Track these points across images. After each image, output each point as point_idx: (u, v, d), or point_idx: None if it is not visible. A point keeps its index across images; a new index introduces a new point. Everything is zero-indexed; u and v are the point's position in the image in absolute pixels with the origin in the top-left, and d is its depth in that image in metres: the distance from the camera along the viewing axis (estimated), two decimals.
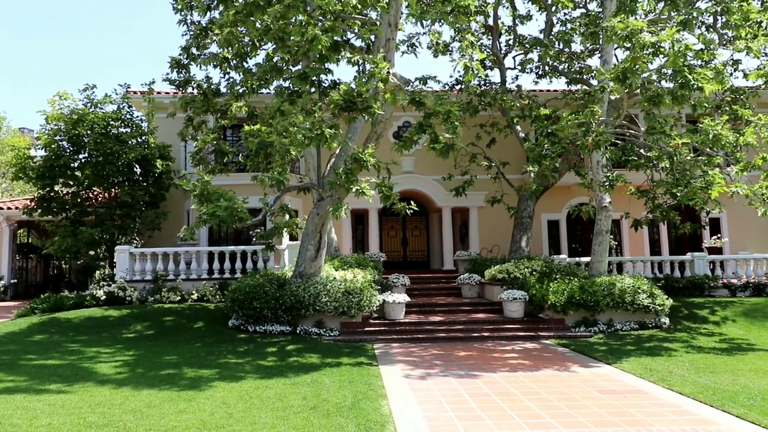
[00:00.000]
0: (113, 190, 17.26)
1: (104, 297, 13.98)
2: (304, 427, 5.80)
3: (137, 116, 17.90)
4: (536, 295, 12.86)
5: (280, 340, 11.21)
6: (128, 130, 17.02)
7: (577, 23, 14.06)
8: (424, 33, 14.55)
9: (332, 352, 10.18)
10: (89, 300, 13.91)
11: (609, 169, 13.82)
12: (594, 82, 15.39)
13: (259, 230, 16.50)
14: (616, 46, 13.17)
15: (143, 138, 17.03)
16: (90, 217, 17.30)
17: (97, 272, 16.26)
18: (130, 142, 16.59)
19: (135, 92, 18.11)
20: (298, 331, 11.90)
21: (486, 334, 12.14)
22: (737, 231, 20.44)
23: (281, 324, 12.00)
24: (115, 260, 16.58)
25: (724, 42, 13.22)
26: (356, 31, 12.46)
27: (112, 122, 16.49)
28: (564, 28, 16.95)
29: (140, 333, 11.91)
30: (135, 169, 17.15)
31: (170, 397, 6.86)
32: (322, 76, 12.01)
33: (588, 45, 14.15)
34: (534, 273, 14.11)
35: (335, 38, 10.89)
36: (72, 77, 62.20)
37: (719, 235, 19.04)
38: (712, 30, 13.10)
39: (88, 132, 16.05)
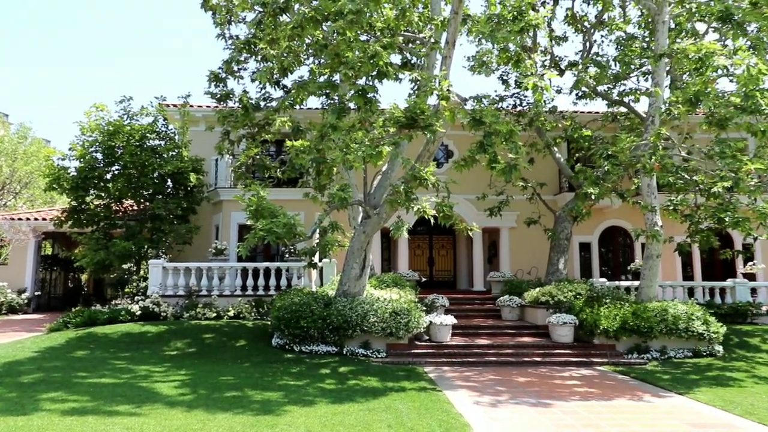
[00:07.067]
0: (144, 202, 17.01)
1: (139, 312, 13.66)
2: None
3: (171, 129, 17.76)
4: (587, 319, 12.54)
5: (329, 362, 10.87)
6: (163, 143, 16.83)
7: (630, 45, 13.95)
8: (478, 51, 14.42)
9: (388, 376, 9.84)
10: (124, 315, 13.58)
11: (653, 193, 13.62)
12: (639, 106, 15.30)
13: (292, 247, 16.25)
14: (667, 68, 13.07)
15: (177, 151, 16.83)
16: (119, 230, 17.05)
17: (127, 286, 15.95)
18: (164, 156, 16.38)
19: (169, 105, 18.00)
20: (344, 352, 11.57)
21: (537, 359, 11.81)
22: None
23: (327, 344, 11.67)
24: (143, 274, 16.31)
25: None
26: (410, 47, 12.38)
27: (147, 135, 16.32)
28: (600, 50, 16.96)
29: (182, 351, 11.57)
30: (167, 182, 16.92)
31: (250, 423, 6.54)
32: (369, 94, 11.89)
33: (633, 67, 14.02)
34: (579, 297, 13.83)
35: (391, 55, 10.79)
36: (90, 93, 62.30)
37: (755, 262, 18.76)
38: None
39: (124, 144, 15.86)
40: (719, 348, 12.46)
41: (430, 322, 12.48)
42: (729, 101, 9.83)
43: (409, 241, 21.05)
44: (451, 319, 12.60)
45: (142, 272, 16.63)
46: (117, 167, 16.45)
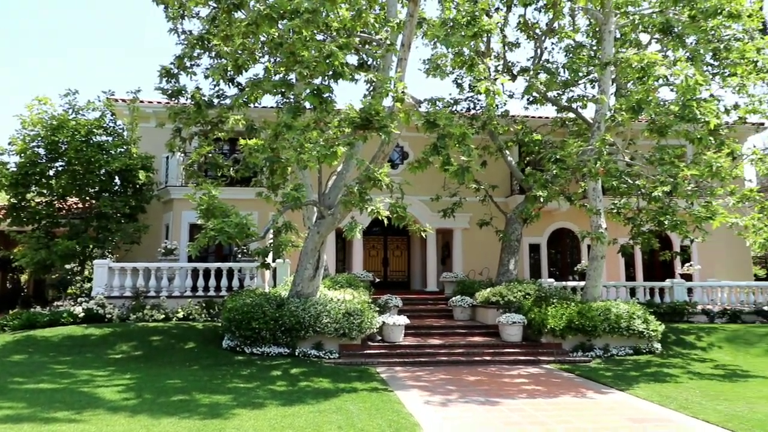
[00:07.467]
0: (90, 200, 16.39)
1: (83, 314, 13.15)
2: None
3: (120, 125, 17.19)
4: (535, 319, 12.89)
5: (280, 363, 10.78)
6: (110, 139, 16.26)
7: (578, 53, 14.46)
8: (433, 54, 14.60)
9: (340, 377, 9.84)
10: (66, 317, 13.04)
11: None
12: (586, 112, 15.83)
13: (245, 248, 15.99)
14: (613, 76, 13.59)
15: (125, 148, 16.29)
16: (62, 228, 16.38)
17: (70, 287, 15.33)
18: (112, 152, 15.82)
19: (118, 100, 17.43)
20: (296, 354, 11.49)
21: (487, 357, 12.05)
22: (705, 258, 21.17)
23: (279, 346, 11.56)
24: (87, 274, 15.71)
25: (712, 76, 13.81)
26: (366, 48, 12.41)
27: (94, 130, 15.73)
28: (550, 57, 17.50)
29: (128, 354, 11.23)
30: (115, 179, 16.37)
31: (197, 427, 6.41)
32: (325, 94, 11.86)
33: (582, 75, 14.55)
34: (528, 297, 14.19)
35: (347, 56, 10.80)
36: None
37: (691, 263, 19.71)
38: (708, 65, 13.72)
39: (68, 139, 15.23)
40: (658, 345, 13.04)
41: (383, 322, 12.55)
42: (669, 110, 10.33)
43: (364, 242, 21.08)
44: (403, 320, 12.71)
45: (86, 273, 16.01)
46: (61, 163, 15.77)
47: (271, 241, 13.95)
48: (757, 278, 24.13)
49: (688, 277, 19.58)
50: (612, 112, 11.64)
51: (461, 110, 17.73)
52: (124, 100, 17.50)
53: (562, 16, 15.44)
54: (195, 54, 13.90)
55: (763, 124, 20.66)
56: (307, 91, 9.85)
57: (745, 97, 13.10)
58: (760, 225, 11.25)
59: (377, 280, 19.82)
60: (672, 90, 10.88)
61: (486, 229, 17.78)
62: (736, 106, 12.63)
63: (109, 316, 13.37)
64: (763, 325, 15.48)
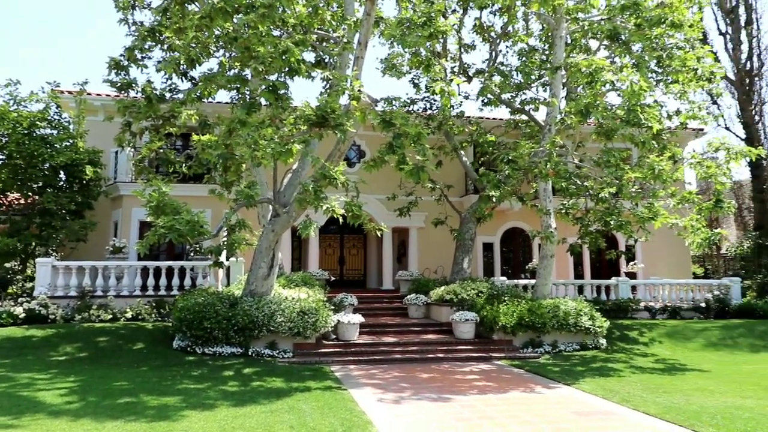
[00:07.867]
0: (33, 196, 15.70)
1: (24, 315, 12.60)
2: None
3: (65, 118, 16.51)
4: (487, 316, 13.16)
5: (233, 363, 10.63)
6: (55, 132, 15.61)
7: (531, 57, 14.86)
8: (389, 53, 14.67)
9: (294, 376, 9.79)
10: (5, 318, 12.46)
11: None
12: (539, 115, 16.25)
13: (197, 246, 15.66)
14: (564, 80, 14.00)
15: (71, 141, 15.67)
16: (1, 225, 15.63)
17: (10, 287, 14.65)
18: (57, 146, 15.19)
19: (63, 92, 16.74)
20: (250, 353, 11.36)
21: (441, 355, 12.23)
22: (649, 257, 22.08)
23: (232, 345, 11.40)
24: (29, 273, 15.08)
25: (656, 83, 14.45)
26: (323, 45, 12.36)
27: (37, 122, 15.06)
28: (505, 60, 17.87)
29: (72, 355, 10.84)
30: (60, 174, 15.72)
31: (143, 430, 6.25)
32: (281, 90, 11.75)
33: (534, 78, 14.96)
34: (480, 294, 14.46)
35: (303, 52, 10.73)
36: None
37: (635, 261, 20.53)
38: (652, 72, 14.31)
39: (9, 132, 14.54)
40: (603, 341, 13.54)
41: (338, 321, 12.55)
42: (615, 114, 10.76)
43: (320, 240, 20.97)
44: (358, 318, 12.74)
45: (28, 271, 15.35)
46: (1, 157, 15.04)
47: (225, 239, 13.73)
48: (696, 276, 25.33)
49: (632, 276, 20.34)
50: (562, 115, 12.03)
51: (417, 110, 17.90)
52: (70, 92, 16.84)
53: (516, 20, 15.80)
54: (146, 46, 13.48)
55: (702, 129, 21.71)
56: (263, 87, 9.75)
57: (686, 103, 13.80)
58: (698, 225, 11.84)
59: (333, 278, 19.75)
60: (618, 95, 11.34)
61: (441, 228, 18.02)
62: (677, 112, 13.26)
63: (53, 316, 12.85)
64: (700, 321, 16.28)
